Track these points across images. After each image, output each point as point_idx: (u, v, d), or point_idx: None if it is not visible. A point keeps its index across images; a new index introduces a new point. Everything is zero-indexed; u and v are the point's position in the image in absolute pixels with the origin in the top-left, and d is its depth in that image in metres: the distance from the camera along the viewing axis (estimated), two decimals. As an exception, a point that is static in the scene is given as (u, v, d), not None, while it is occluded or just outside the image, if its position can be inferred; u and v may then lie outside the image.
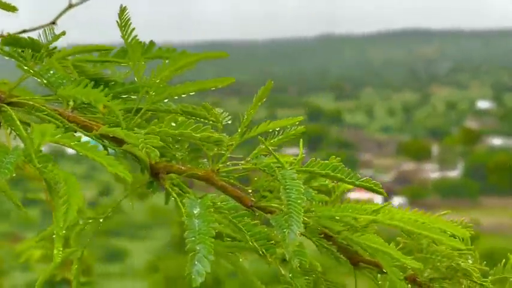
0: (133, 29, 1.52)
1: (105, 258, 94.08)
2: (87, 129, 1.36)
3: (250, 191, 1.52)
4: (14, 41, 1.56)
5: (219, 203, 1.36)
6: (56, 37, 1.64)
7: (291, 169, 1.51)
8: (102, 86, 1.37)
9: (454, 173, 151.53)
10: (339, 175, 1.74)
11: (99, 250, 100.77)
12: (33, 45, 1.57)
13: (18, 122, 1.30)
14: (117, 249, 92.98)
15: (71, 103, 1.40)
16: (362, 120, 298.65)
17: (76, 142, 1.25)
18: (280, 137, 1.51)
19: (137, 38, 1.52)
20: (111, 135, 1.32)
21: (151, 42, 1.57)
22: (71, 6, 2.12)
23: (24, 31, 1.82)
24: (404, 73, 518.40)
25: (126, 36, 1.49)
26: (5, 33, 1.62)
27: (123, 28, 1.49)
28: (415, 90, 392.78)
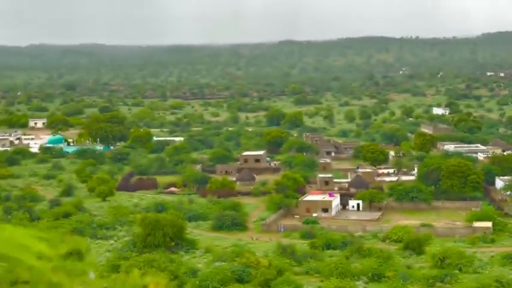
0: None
1: (66, 257, 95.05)
2: None
3: None
4: None
5: None
6: None
7: None
8: None
9: (410, 177, 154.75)
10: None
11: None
12: None
13: None
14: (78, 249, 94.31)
15: None
16: (321, 124, 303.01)
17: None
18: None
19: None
20: None
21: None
22: None
23: None
24: (363, 79, 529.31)
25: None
26: None
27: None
28: (373, 96, 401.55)
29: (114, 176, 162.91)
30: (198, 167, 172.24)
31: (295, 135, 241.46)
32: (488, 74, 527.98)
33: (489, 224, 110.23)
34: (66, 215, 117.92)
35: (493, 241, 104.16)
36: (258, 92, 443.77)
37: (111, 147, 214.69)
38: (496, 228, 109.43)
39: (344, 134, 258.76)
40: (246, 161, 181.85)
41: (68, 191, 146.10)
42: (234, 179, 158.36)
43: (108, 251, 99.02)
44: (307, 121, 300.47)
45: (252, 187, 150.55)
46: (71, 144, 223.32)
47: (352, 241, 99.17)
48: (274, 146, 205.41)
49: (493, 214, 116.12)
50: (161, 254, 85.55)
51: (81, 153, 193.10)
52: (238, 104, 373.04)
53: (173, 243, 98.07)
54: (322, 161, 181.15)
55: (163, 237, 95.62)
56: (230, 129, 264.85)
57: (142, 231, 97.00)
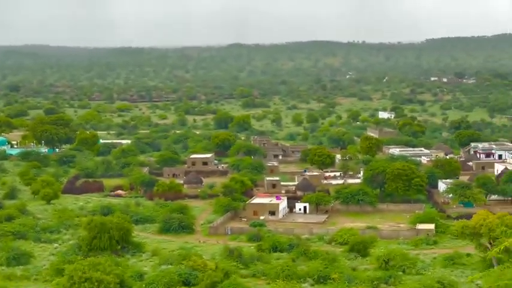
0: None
1: (9, 261, 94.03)
2: None
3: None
4: None
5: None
6: None
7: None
8: None
9: (356, 180, 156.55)
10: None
11: (3, 253, 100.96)
12: None
13: None
14: (21, 252, 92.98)
15: None
16: (269, 128, 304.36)
17: None
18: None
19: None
20: None
21: None
22: None
23: None
24: (310, 83, 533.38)
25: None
26: None
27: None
28: (320, 100, 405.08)
29: (60, 179, 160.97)
30: (145, 169, 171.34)
31: (243, 138, 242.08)
32: (432, 79, 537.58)
33: (432, 226, 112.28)
34: (9, 218, 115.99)
35: (435, 243, 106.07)
36: (206, 95, 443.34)
37: (57, 149, 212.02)
38: (439, 230, 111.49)
39: (291, 137, 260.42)
40: (193, 163, 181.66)
41: (11, 194, 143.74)
42: (182, 181, 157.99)
43: (52, 254, 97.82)
44: (255, 124, 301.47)
45: (199, 190, 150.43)
46: (15, 146, 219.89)
47: (299, 244, 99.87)
48: (222, 149, 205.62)
49: (435, 216, 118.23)
50: (107, 257, 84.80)
51: (25, 156, 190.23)
52: (186, 107, 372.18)
53: (119, 247, 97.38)
54: (269, 164, 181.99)
55: (109, 241, 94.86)
56: (178, 132, 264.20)
57: (88, 234, 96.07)
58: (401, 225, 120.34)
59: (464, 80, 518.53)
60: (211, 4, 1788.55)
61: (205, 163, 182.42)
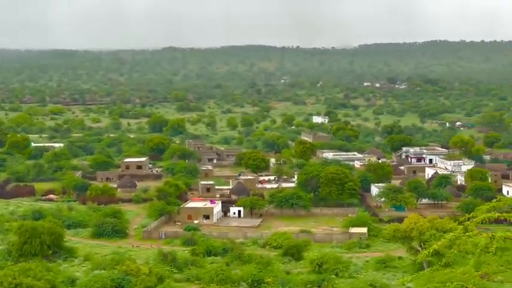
0: None
1: None
2: None
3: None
4: None
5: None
6: None
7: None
8: None
9: (290, 184, 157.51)
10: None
11: None
12: None
13: None
14: None
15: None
16: (204, 132, 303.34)
17: None
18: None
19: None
20: None
21: None
22: None
23: None
24: (245, 87, 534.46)
25: None
26: None
27: None
28: (255, 104, 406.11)
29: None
30: (78, 173, 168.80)
31: (177, 142, 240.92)
32: (365, 84, 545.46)
33: (364, 229, 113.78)
34: None
35: (368, 246, 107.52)
36: (141, 99, 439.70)
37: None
38: (371, 234, 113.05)
39: (226, 141, 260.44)
40: (127, 167, 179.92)
41: None
42: (115, 185, 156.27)
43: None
44: (190, 128, 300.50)
45: (133, 194, 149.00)
46: None
47: (233, 248, 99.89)
48: (156, 152, 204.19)
49: (368, 220, 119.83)
50: (38, 262, 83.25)
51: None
52: (120, 110, 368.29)
53: (51, 252, 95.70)
54: (204, 168, 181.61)
55: (40, 246, 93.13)
56: (112, 135, 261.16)
57: (19, 239, 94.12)
58: (335, 228, 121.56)
59: (396, 86, 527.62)
60: (145, 7, 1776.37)
61: (139, 167, 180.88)
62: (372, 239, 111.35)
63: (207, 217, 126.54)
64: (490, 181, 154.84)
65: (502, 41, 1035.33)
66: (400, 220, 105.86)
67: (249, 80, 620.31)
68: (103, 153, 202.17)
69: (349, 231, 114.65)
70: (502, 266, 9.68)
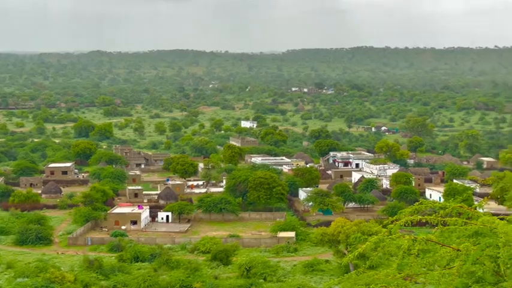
0: None
1: None
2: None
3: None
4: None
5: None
6: None
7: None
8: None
9: (219, 189, 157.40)
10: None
11: None
12: None
13: None
14: None
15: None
16: (132, 136, 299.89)
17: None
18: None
19: None
20: None
21: None
22: None
23: None
24: (173, 92, 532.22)
25: None
26: None
27: None
28: (183, 109, 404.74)
29: None
30: (1, 179, 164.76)
31: (104, 147, 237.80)
32: (293, 89, 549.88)
33: (292, 234, 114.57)
34: None
35: (295, 250, 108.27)
36: (66, 103, 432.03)
37: None
38: (299, 238, 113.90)
39: (154, 146, 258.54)
40: (52, 173, 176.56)
41: None
42: (40, 191, 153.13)
43: None
44: (117, 133, 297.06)
45: (58, 200, 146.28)
46: None
47: (161, 253, 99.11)
48: (82, 157, 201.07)
49: (296, 224, 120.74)
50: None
51: None
52: (44, 115, 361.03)
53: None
54: (132, 173, 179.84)
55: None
56: (36, 140, 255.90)
57: None
58: (263, 233, 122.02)
59: (323, 91, 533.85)
60: (70, 10, 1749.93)
61: (64, 172, 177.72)
62: (299, 243, 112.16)
63: (134, 223, 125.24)
64: (413, 185, 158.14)
65: (425, 47, 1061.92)
66: (328, 224, 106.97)
67: (177, 84, 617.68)
68: (27, 158, 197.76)
69: (277, 235, 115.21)
70: (424, 267, 9.82)
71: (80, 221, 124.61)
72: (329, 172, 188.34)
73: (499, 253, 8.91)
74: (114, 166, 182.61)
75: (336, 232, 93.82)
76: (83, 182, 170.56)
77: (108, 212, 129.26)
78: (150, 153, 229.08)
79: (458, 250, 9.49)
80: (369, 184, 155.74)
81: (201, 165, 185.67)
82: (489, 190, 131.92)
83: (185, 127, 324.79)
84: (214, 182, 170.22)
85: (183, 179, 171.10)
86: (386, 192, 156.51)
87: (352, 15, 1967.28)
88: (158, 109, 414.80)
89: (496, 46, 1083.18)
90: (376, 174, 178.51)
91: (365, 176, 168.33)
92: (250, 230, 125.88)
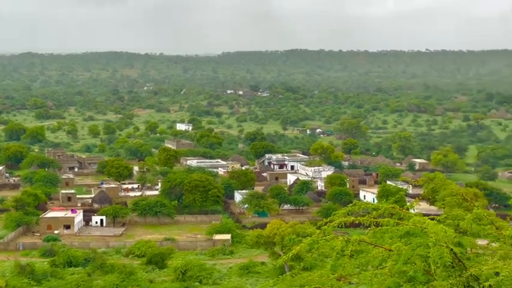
0: None
1: None
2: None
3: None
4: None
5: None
6: None
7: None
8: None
9: (154, 192, 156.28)
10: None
11: None
12: None
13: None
14: None
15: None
16: (65, 139, 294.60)
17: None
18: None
19: None
20: None
21: None
22: None
23: None
24: (108, 94, 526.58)
25: None
26: None
27: None
28: (118, 111, 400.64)
29: None
30: None
31: (36, 150, 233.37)
32: (229, 91, 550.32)
33: (228, 236, 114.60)
34: None
35: (231, 253, 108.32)
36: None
37: None
38: (235, 240, 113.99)
39: (88, 149, 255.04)
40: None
41: None
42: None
43: None
44: (50, 136, 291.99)
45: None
46: None
47: (95, 257, 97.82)
48: (13, 161, 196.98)
49: (232, 227, 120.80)
50: None
51: None
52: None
53: None
54: (65, 176, 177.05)
55: None
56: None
57: None
58: (199, 236, 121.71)
59: (258, 93, 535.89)
60: (1, 11, 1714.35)
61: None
62: (235, 245, 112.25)
63: (67, 227, 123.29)
64: (348, 186, 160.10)
65: (359, 50, 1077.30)
66: (263, 226, 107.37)
67: (111, 87, 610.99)
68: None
69: (213, 238, 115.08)
70: (357, 267, 9.96)
71: (11, 225, 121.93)
72: (264, 174, 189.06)
73: (429, 253, 9.09)
74: (46, 170, 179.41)
75: (272, 234, 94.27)
76: (14, 186, 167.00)
77: (41, 216, 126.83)
78: (83, 156, 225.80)
79: (390, 250, 9.63)
80: (304, 186, 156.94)
81: (135, 168, 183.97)
82: (421, 191, 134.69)
83: (120, 130, 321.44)
84: (149, 185, 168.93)
85: (118, 183, 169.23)
86: (321, 194, 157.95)
87: (286, 18, 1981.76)
88: (92, 112, 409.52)
89: (427, 49, 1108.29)
90: (311, 176, 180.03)
91: (300, 178, 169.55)
92: (186, 233, 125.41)
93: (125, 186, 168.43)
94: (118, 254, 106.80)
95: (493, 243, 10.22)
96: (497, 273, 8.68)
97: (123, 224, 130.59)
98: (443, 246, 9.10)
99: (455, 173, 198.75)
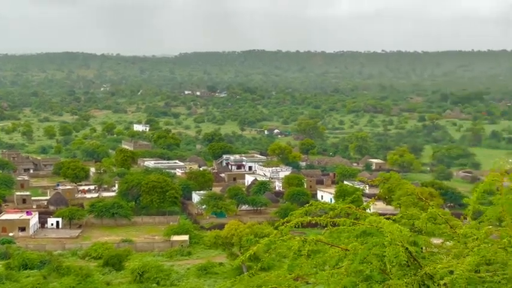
0: None
1: None
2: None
3: None
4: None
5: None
6: None
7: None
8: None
9: (111, 194, 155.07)
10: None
11: None
12: None
13: None
14: None
15: None
16: (20, 141, 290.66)
17: None
18: None
19: None
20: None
21: None
22: None
23: None
24: (64, 95, 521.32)
25: None
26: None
27: None
28: (74, 112, 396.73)
29: None
30: None
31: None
32: (186, 92, 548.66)
33: (186, 237, 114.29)
34: None
35: (189, 254, 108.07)
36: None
37: None
38: (193, 241, 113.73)
39: (44, 150, 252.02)
40: None
41: None
42: None
43: None
44: (4, 137, 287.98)
45: None
46: None
47: (51, 260, 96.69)
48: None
49: (189, 228, 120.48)
50: None
51: None
52: None
53: None
54: (19, 178, 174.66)
55: None
56: None
57: None
58: (156, 237, 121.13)
59: (216, 94, 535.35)
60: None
61: None
62: (193, 246, 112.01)
63: (22, 229, 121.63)
64: (305, 186, 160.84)
65: (316, 51, 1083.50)
66: (221, 227, 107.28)
67: (67, 87, 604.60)
68: None
69: (171, 239, 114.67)
70: (314, 267, 10.02)
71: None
72: (222, 175, 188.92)
73: (385, 252, 9.18)
74: (0, 171, 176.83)
75: (230, 235, 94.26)
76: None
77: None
78: (39, 157, 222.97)
79: (346, 250, 9.70)
80: (262, 186, 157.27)
81: (92, 169, 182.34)
82: (377, 191, 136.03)
83: (76, 131, 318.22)
84: (106, 186, 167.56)
85: (74, 184, 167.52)
86: (279, 194, 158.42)
87: (244, 19, 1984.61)
88: (47, 113, 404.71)
89: (383, 50, 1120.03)
90: (269, 176, 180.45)
91: (258, 179, 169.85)
92: (143, 234, 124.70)
93: (81, 187, 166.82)
94: (74, 256, 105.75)
95: (448, 242, 10.36)
96: (451, 272, 8.80)
97: (80, 226, 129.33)
98: (398, 245, 9.20)
99: (411, 172, 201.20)
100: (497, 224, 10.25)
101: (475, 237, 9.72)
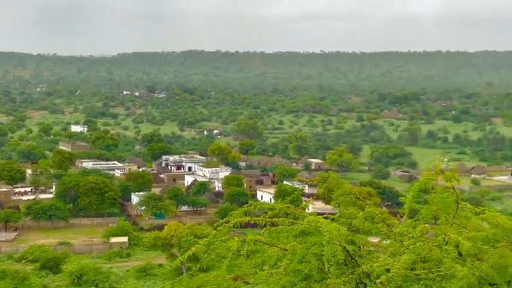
0: None
1: None
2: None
3: None
4: None
5: None
6: None
7: None
8: None
9: (48, 195, 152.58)
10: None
11: None
12: None
13: None
14: None
15: None
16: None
17: None
18: None
19: None
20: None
21: None
22: None
23: None
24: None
25: None
26: None
27: None
28: (9, 113, 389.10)
29: None
30: None
31: None
32: (125, 92, 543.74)
33: (125, 239, 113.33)
34: None
35: (128, 255, 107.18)
36: None
37: None
38: (132, 243, 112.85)
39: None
40: None
41: None
42: None
43: None
44: None
45: None
46: None
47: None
48: None
49: (128, 229, 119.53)
50: None
51: None
52: None
53: None
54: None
55: None
56: None
57: None
58: (95, 239, 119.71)
59: (155, 94, 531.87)
60: None
61: None
62: (132, 248, 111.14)
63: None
64: (245, 187, 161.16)
65: (255, 51, 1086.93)
66: (161, 228, 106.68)
67: (2, 88, 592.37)
68: None
69: (110, 241, 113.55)
70: (253, 267, 10.05)
71: None
72: (162, 176, 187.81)
73: (323, 251, 9.25)
74: None
75: (169, 236, 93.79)
76: None
77: None
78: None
79: (285, 249, 9.75)
80: (202, 187, 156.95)
81: (29, 171, 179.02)
82: (316, 191, 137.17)
83: (12, 132, 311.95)
84: (43, 188, 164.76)
85: (10, 186, 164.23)
86: (218, 194, 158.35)
87: (183, 19, 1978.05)
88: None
89: (322, 51, 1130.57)
90: (208, 177, 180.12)
91: (198, 179, 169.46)
92: (82, 236, 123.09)
93: (17, 189, 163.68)
94: (10, 260, 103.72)
95: (384, 241, 10.49)
96: (387, 270, 8.92)
97: (16, 229, 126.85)
98: (336, 244, 9.28)
99: (350, 172, 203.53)
100: (433, 222, 10.43)
101: (411, 235, 9.86)
